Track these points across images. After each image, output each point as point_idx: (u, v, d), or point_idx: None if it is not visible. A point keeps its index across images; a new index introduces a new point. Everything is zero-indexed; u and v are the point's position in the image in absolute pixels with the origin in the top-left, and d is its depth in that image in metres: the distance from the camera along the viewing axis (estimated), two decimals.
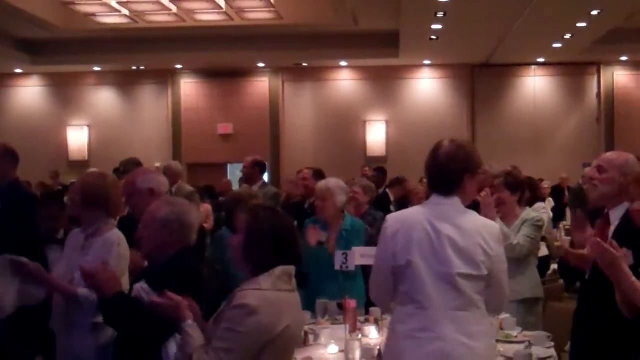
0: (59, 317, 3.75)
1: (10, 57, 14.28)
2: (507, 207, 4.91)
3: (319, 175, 7.24)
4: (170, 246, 3.20)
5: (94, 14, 13.16)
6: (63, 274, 3.74)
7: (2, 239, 4.58)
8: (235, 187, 10.46)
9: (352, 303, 4.35)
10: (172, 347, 2.82)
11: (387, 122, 16.08)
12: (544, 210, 6.37)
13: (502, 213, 4.82)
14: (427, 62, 15.74)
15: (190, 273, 3.16)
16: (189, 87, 16.37)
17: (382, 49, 14.10)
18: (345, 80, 16.35)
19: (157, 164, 10.96)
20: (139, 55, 14.60)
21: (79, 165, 15.53)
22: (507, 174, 5.14)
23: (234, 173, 14.54)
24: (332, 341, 4.03)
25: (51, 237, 5.16)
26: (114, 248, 3.65)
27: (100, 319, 3.36)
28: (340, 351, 3.86)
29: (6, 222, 4.89)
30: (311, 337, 4.04)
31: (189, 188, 8.21)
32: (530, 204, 5.65)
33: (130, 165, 6.84)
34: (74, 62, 14.85)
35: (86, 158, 15.91)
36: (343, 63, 15.96)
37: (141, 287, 3.11)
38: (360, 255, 4.78)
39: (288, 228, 2.83)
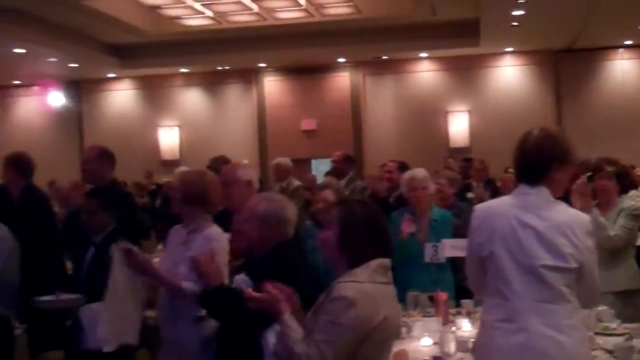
0: (164, 310, 3.87)
1: (102, 62, 14.74)
2: (608, 195, 4.79)
3: (403, 167, 7.21)
4: (269, 240, 3.28)
5: (179, 17, 13.47)
6: (166, 269, 3.85)
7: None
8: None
9: (443, 295, 4.34)
10: (271, 337, 2.86)
11: (469, 112, 15.82)
12: (639, 198, 6.16)
13: (601, 201, 4.70)
14: (508, 49, 15.40)
15: (289, 266, 3.20)
16: (272, 85, 16.52)
17: (462, 38, 13.85)
18: (425, 72, 16.16)
19: (245, 161, 11.12)
20: (223, 55, 14.81)
21: (171, 165, 15.88)
22: (609, 161, 5.02)
23: (318, 168, 14.62)
24: (426, 333, 4.02)
25: None
26: (214, 244, 3.72)
27: (203, 311, 3.45)
28: (434, 343, 3.84)
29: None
30: (404, 330, 4.03)
31: (296, 183, 8.39)
32: (623, 191, 5.50)
33: (218, 163, 6.97)
34: (163, 64, 15.24)
35: (177, 157, 16.27)
36: (423, 54, 15.78)
37: (242, 279, 3.20)
38: (451, 247, 4.77)
39: (381, 220, 2.84)
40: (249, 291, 2.80)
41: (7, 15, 11.06)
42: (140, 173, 13.56)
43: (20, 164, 5.74)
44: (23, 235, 4.77)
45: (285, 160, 8.60)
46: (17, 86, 17.03)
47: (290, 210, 3.42)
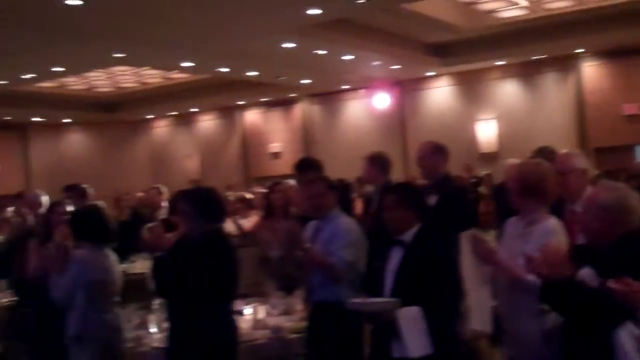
0: (505, 301, 3.88)
1: (422, 62, 15.18)
2: None
3: None
4: (611, 231, 3.12)
5: (494, 10, 13.41)
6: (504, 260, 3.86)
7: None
8: None
9: None
10: (623, 336, 2.75)
11: None
12: None
13: None
14: None
15: (637, 258, 2.99)
16: (591, 70, 15.69)
17: None
18: None
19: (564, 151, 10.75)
20: (538, 44, 14.38)
21: (489, 158, 15.93)
22: None
23: None
24: None
25: None
26: (554, 236, 3.64)
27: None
28: None
29: (442, 214, 5.25)
30: None
31: None
32: None
33: (545, 154, 6.83)
34: (479, 59, 15.25)
35: (495, 150, 16.20)
36: None
37: (586, 272, 3.11)
38: None
39: None
40: (609, 283, 2.69)
41: (338, 26, 11.90)
42: (460, 167, 13.74)
43: (380, 160, 6.18)
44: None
45: None
46: (345, 91, 18.22)
47: (634, 198, 3.25)
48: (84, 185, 6.88)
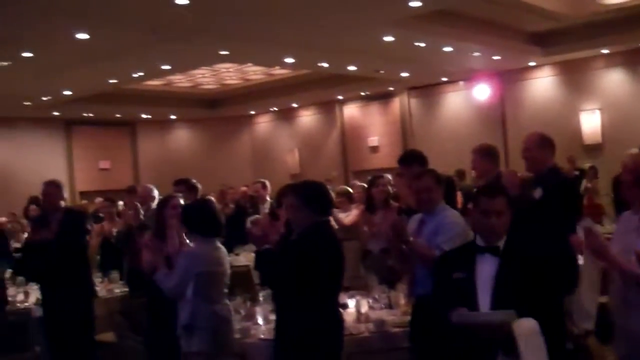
0: (617, 298, 3.75)
1: (523, 51, 14.77)
2: None
3: None
4: None
5: None
6: (617, 255, 3.72)
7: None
8: None
9: None
10: None
11: None
12: None
13: None
14: None
15: None
16: None
17: None
18: None
19: None
20: None
21: (593, 149, 15.38)
22: None
23: None
24: None
25: None
26: None
27: None
28: None
29: (548, 207, 5.11)
30: None
31: None
32: None
33: None
34: (582, 47, 14.70)
35: (599, 141, 15.62)
36: None
37: None
38: None
39: None
40: None
41: (438, 17, 11.74)
42: (562, 159, 13.32)
43: (490, 153, 6.08)
44: None
45: None
46: (444, 83, 17.98)
47: None
48: (193, 180, 7.06)
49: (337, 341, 4.38)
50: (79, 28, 10.09)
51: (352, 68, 15.21)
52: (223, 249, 5.01)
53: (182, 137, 21.91)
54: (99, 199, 12.52)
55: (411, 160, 6.10)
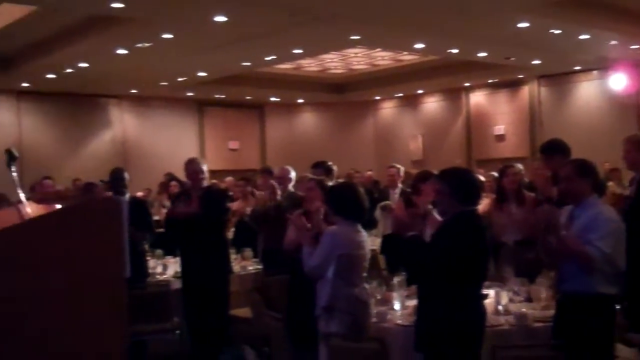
0: None
1: None
2: None
3: None
4: None
5: None
6: None
7: None
8: None
9: None
10: None
11: None
12: None
13: None
14: None
15: None
16: None
17: None
18: None
19: None
20: None
21: None
22: None
23: None
24: None
25: None
26: None
27: None
28: None
29: None
30: None
31: None
32: None
33: None
34: None
35: None
36: None
37: None
38: None
39: None
40: None
41: (576, 3, 11.20)
42: None
43: None
44: None
45: None
46: (576, 72, 17.19)
47: None
48: (329, 162, 7.04)
49: (480, 332, 4.25)
50: (218, 11, 10.27)
51: (481, 55, 14.79)
52: (364, 232, 4.94)
53: (308, 121, 22.10)
54: (228, 178, 12.79)
55: (553, 150, 5.86)
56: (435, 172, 6.87)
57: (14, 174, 3.73)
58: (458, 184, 4.18)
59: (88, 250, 3.24)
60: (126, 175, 7.13)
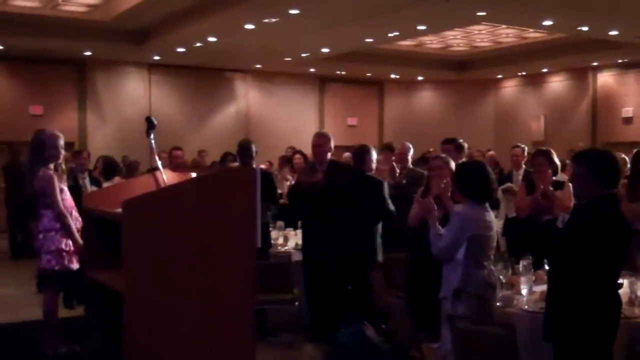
0: None
1: None
2: None
3: None
4: None
5: None
6: None
7: None
8: None
9: None
10: None
11: None
12: None
13: None
14: None
15: None
16: None
17: None
18: None
19: None
20: None
21: None
22: None
23: None
24: None
25: None
26: None
27: None
28: None
29: None
30: None
31: None
32: None
33: None
34: None
35: None
36: None
37: None
38: None
39: None
40: None
41: None
42: None
43: None
44: None
45: None
46: None
47: None
48: (460, 140, 6.81)
49: (615, 324, 3.97)
50: None
51: (613, 33, 13.96)
52: (491, 212, 4.73)
53: (427, 98, 21.72)
54: (346, 154, 12.71)
55: None
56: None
57: (152, 142, 3.79)
58: (597, 166, 3.89)
59: (223, 218, 3.25)
60: (253, 147, 7.17)
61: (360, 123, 20.75)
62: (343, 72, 19.20)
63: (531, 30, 15.34)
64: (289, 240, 7.95)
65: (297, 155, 9.39)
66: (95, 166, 10.33)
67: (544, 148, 6.58)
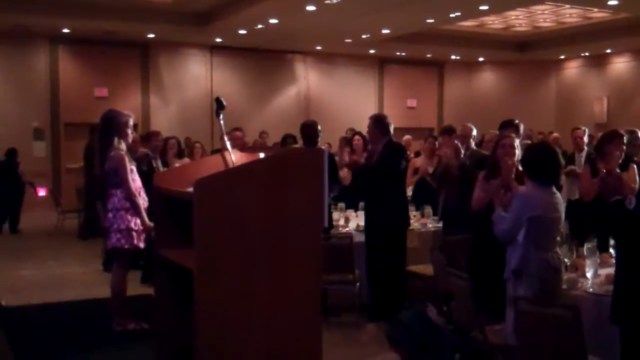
0: None
1: None
2: None
3: None
4: None
5: None
6: None
7: None
8: None
9: None
10: None
11: None
12: None
13: None
14: None
15: None
16: None
17: None
18: None
19: None
20: None
21: None
22: None
23: None
24: None
25: None
26: None
27: None
28: None
29: None
30: None
31: None
32: None
33: None
34: None
35: None
36: None
37: None
38: None
39: None
40: None
41: None
42: None
43: None
44: None
45: None
46: None
47: None
48: (517, 121, 6.71)
49: None
50: None
51: None
52: (558, 194, 4.64)
53: (487, 79, 21.37)
54: (406, 137, 12.64)
55: None
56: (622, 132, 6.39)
57: (222, 122, 3.83)
58: None
59: (292, 197, 3.28)
60: (319, 127, 7.26)
61: (420, 105, 20.56)
62: (403, 53, 19.02)
63: (595, 10, 14.91)
64: (350, 221, 7.98)
65: (357, 137, 9.38)
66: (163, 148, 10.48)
67: (621, 130, 6.44)
